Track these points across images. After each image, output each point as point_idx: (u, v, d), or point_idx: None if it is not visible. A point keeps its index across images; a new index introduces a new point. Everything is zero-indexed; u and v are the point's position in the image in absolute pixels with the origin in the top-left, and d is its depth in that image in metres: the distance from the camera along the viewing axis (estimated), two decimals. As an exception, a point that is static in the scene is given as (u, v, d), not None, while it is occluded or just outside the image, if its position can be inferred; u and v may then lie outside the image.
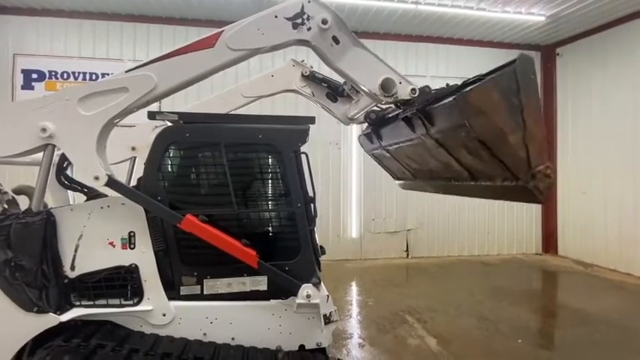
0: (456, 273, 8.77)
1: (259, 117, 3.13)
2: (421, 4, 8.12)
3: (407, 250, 9.96)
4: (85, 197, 3.56)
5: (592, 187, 9.34)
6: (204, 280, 2.85)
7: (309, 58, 4.10)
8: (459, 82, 2.59)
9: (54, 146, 2.65)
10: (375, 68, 2.87)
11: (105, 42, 8.86)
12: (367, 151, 4.59)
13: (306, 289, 2.77)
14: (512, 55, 2.32)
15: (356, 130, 8.83)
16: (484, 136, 2.36)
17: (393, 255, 9.85)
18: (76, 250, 2.72)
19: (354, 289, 7.65)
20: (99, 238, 2.76)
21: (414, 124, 2.97)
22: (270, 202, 3.21)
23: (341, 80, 3.91)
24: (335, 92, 4.09)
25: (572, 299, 7.05)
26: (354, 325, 5.74)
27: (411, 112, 2.87)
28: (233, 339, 2.82)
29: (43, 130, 2.55)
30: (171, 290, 2.83)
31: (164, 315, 2.79)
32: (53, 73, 8.65)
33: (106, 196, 3.10)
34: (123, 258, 2.77)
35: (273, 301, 2.89)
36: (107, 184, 2.63)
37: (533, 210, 10.58)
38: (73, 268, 2.71)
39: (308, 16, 2.73)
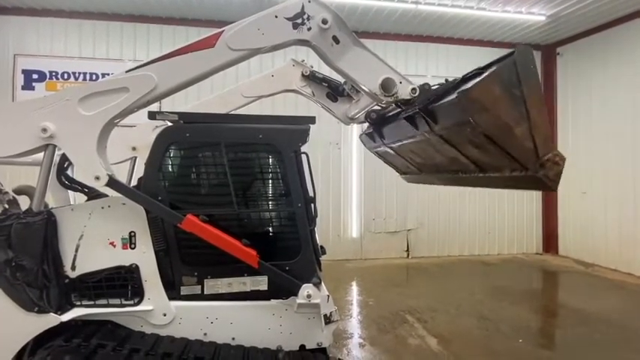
0: (456, 273, 8.77)
1: (259, 117, 3.13)
2: (421, 4, 8.12)
3: (407, 250, 9.96)
4: (85, 197, 3.56)
5: (592, 187, 9.33)
6: (205, 280, 2.85)
7: (309, 58, 4.10)
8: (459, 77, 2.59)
9: (55, 146, 2.65)
10: (376, 68, 2.87)
11: (105, 42, 8.86)
12: (370, 149, 4.58)
13: (306, 289, 2.78)
14: (512, 54, 2.31)
15: (356, 129, 8.86)
16: (489, 131, 2.36)
17: (393, 255, 9.85)
18: (76, 250, 2.72)
19: (354, 289, 7.65)
20: (99, 238, 2.76)
21: (417, 122, 2.95)
22: (270, 202, 3.21)
23: (341, 80, 3.91)
24: (335, 92, 4.09)
25: (573, 299, 7.05)
26: (354, 324, 5.74)
27: (414, 111, 2.86)
28: (233, 339, 2.82)
29: (44, 130, 2.56)
30: (172, 290, 2.83)
31: (165, 315, 2.79)
32: (54, 74, 8.66)
33: (107, 196, 3.10)
34: (123, 258, 2.77)
35: (273, 301, 2.89)
36: (108, 184, 2.64)
37: (534, 210, 10.60)
38: (73, 268, 2.72)
39: (308, 15, 2.73)
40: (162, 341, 2.67)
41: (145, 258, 2.78)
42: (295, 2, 2.73)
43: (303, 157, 2.99)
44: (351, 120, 4.09)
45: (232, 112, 4.32)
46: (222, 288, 2.87)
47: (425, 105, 2.73)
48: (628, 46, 8.45)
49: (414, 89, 2.83)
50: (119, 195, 2.73)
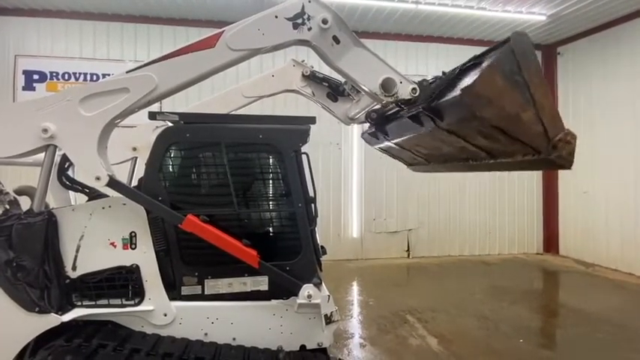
0: (456, 273, 8.77)
1: (260, 117, 3.14)
2: (421, 4, 8.11)
3: (408, 250, 9.95)
4: (86, 198, 3.56)
5: (593, 187, 9.32)
6: (206, 280, 2.85)
7: (309, 58, 4.10)
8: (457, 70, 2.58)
9: (55, 147, 2.65)
10: (376, 68, 2.86)
11: (106, 42, 8.87)
12: (373, 146, 4.55)
13: (307, 289, 2.78)
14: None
15: (357, 130, 8.86)
16: (498, 123, 2.35)
17: (393, 255, 9.84)
18: (77, 251, 2.72)
19: (354, 289, 7.65)
20: (100, 239, 2.76)
21: (422, 119, 2.92)
22: (270, 202, 3.21)
23: (342, 79, 3.91)
24: (336, 91, 4.09)
25: (573, 299, 7.04)
26: (355, 325, 5.74)
27: (417, 110, 2.85)
28: (234, 339, 2.82)
29: (45, 130, 2.56)
30: (173, 290, 2.83)
31: (165, 315, 2.79)
32: (54, 74, 8.66)
33: (108, 196, 3.10)
34: (124, 258, 2.77)
35: (274, 301, 2.89)
36: (108, 185, 2.64)
37: (535, 209, 10.58)
38: (74, 268, 2.72)
39: (308, 16, 2.73)
40: (163, 341, 2.68)
41: (145, 258, 2.79)
42: (295, 2, 2.73)
43: (304, 157, 2.99)
44: (352, 120, 4.09)
45: (233, 113, 4.33)
46: (223, 288, 2.87)
47: (428, 103, 2.72)
48: (628, 45, 8.45)
49: (414, 89, 2.83)
50: (120, 195, 2.73)
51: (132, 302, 2.77)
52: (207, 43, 2.69)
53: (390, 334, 5.34)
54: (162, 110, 3.39)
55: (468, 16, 8.65)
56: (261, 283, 2.89)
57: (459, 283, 7.93)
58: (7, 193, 3.71)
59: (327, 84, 4.10)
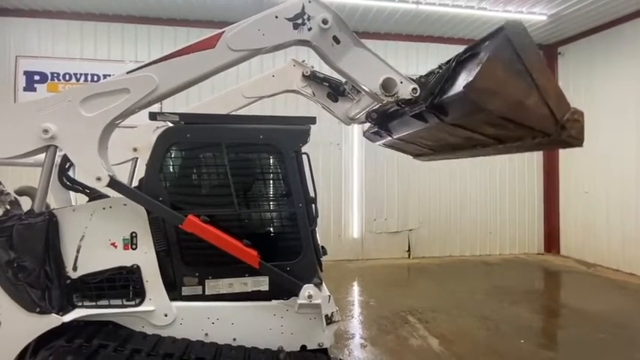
0: (457, 273, 8.76)
1: (260, 117, 3.14)
2: (422, 4, 8.11)
3: (408, 250, 9.95)
4: (87, 198, 3.56)
5: (594, 187, 9.31)
6: (206, 281, 2.85)
7: (309, 58, 4.10)
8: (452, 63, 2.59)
9: (56, 147, 2.66)
10: (376, 68, 2.86)
11: (106, 43, 8.88)
12: (377, 143, 4.53)
13: (307, 289, 2.78)
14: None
15: (357, 130, 8.86)
16: (505, 113, 2.36)
17: (394, 255, 9.84)
18: (78, 251, 2.73)
19: (355, 289, 7.64)
20: (101, 239, 2.77)
21: (426, 116, 2.91)
22: (271, 203, 3.21)
23: (342, 79, 3.91)
24: (336, 92, 4.09)
25: (575, 299, 7.03)
26: (355, 325, 5.74)
27: (421, 109, 2.84)
28: (235, 339, 2.82)
29: (45, 131, 2.56)
30: (173, 291, 2.84)
31: (166, 315, 2.79)
32: (55, 75, 8.68)
33: (108, 196, 3.10)
34: (125, 258, 2.78)
35: (274, 302, 2.89)
36: (109, 185, 2.64)
37: (535, 209, 10.57)
38: (75, 268, 2.72)
39: (308, 16, 2.73)
40: (164, 342, 2.68)
41: (146, 258, 2.79)
42: (295, 2, 2.73)
43: (304, 157, 3.00)
44: (352, 120, 4.09)
45: (233, 113, 4.33)
46: (224, 288, 2.87)
47: (430, 102, 2.72)
48: (629, 45, 8.43)
49: (414, 89, 2.82)
50: (120, 196, 2.73)
51: (133, 302, 2.77)
52: (208, 44, 2.70)
53: (390, 334, 5.34)
54: (163, 111, 3.39)
55: (469, 16, 8.65)
56: (262, 284, 2.89)
57: (459, 283, 7.91)
58: (8, 194, 3.71)
59: (327, 84, 4.09)
